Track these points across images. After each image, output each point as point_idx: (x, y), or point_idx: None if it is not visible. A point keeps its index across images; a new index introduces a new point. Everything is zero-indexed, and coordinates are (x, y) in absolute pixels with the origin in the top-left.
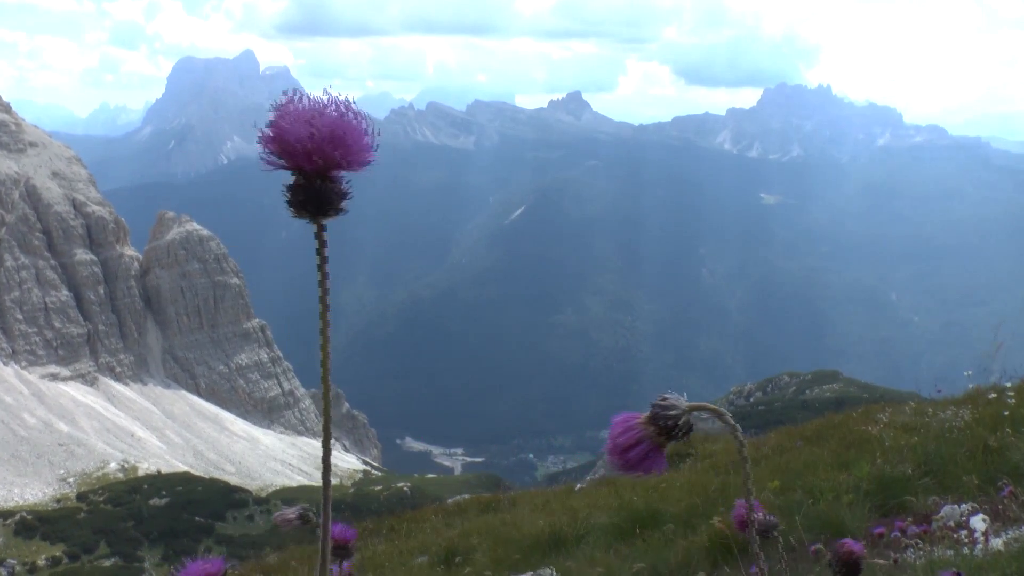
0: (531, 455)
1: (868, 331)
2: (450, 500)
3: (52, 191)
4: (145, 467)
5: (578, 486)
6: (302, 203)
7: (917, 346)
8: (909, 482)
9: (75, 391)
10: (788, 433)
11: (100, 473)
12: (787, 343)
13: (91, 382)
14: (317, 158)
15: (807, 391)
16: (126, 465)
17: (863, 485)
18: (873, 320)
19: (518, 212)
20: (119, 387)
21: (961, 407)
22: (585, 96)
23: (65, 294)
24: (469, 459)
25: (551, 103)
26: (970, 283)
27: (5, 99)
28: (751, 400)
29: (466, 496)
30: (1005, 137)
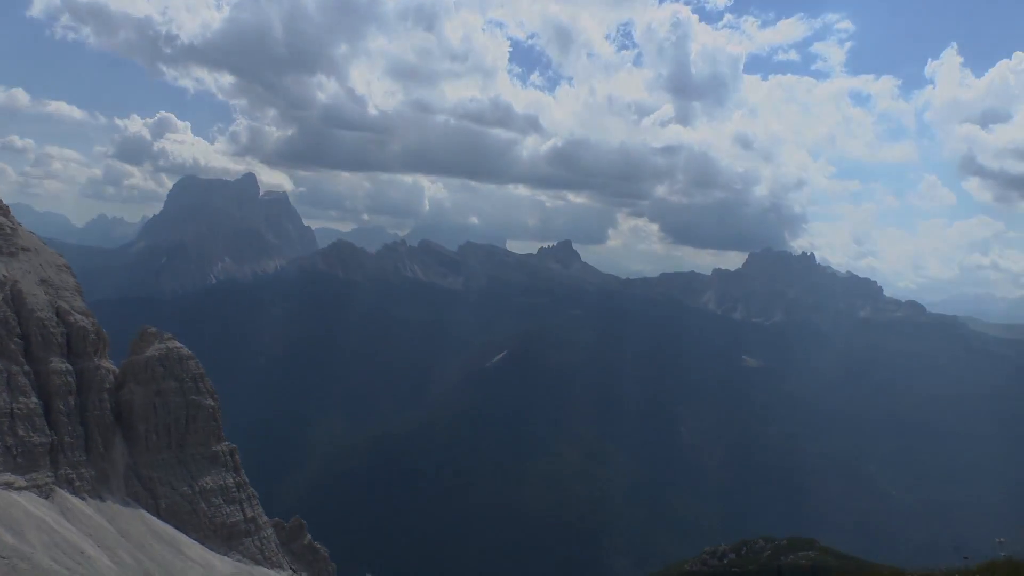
0: None
1: (846, 501)
2: None
3: (37, 297)
4: None
5: None
6: None
7: (895, 520)
8: None
9: (28, 502)
10: None
11: None
12: (763, 507)
13: (47, 494)
14: None
15: (783, 557)
16: None
17: None
18: (851, 491)
19: (500, 355)
20: (75, 500)
21: None
22: (575, 246)
23: (34, 401)
24: None
25: (541, 250)
26: (948, 461)
27: (6, 203)
28: (724, 561)
29: None
30: (980, 319)
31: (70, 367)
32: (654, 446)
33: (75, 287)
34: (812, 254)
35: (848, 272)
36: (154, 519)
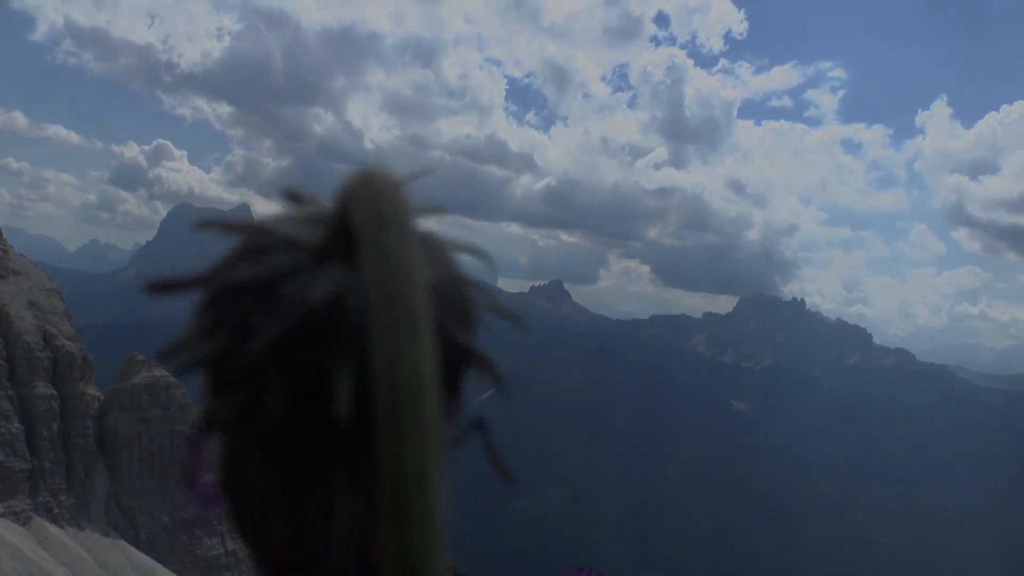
0: None
1: (832, 547)
2: None
3: (25, 320)
4: None
5: None
6: None
7: (883, 568)
8: None
9: (4, 529)
10: None
11: None
12: (750, 551)
13: (24, 521)
14: None
15: None
16: None
17: None
18: (838, 537)
19: (487, 394)
20: (53, 529)
21: None
22: (566, 286)
23: (16, 426)
24: None
25: (532, 289)
26: (936, 510)
27: None
28: None
29: None
30: (969, 368)
31: (55, 392)
32: (641, 487)
33: (64, 311)
34: (802, 300)
35: (838, 319)
36: (133, 549)
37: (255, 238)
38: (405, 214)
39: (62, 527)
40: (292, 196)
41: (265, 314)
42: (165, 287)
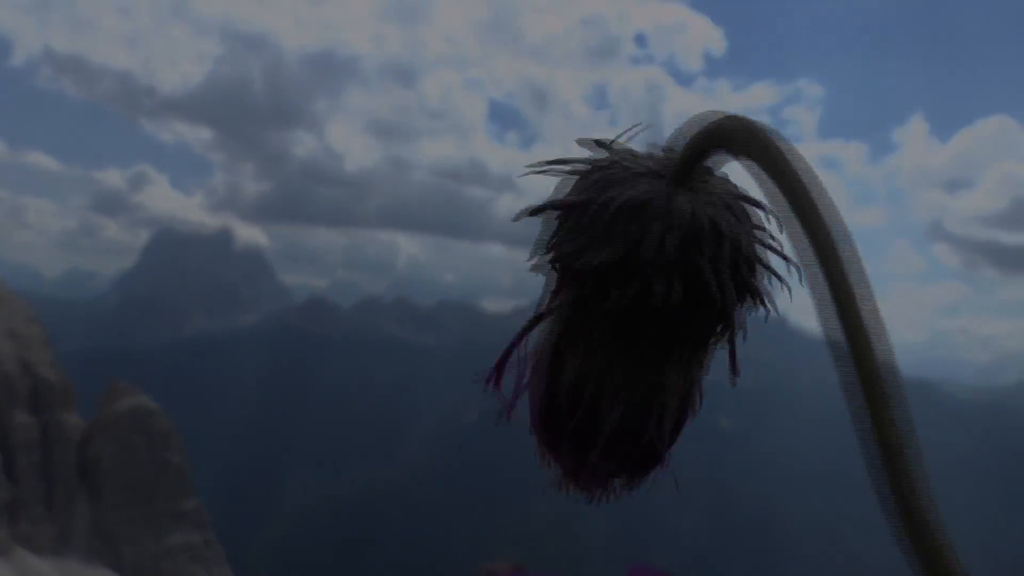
0: None
1: (822, 563)
2: None
3: (3, 349)
4: None
5: None
6: None
7: None
8: None
9: None
10: None
11: None
12: (739, 569)
13: (4, 551)
14: None
15: None
16: None
17: None
18: (827, 553)
19: (475, 415)
20: (34, 559)
21: None
22: None
23: None
24: None
25: (514, 309)
26: None
27: None
28: None
29: None
30: (952, 380)
31: (35, 421)
32: (628, 507)
33: (43, 339)
34: (785, 317)
35: (821, 335)
36: None
37: (609, 169)
38: (779, 139)
39: (43, 557)
40: (600, 144)
41: (654, 226)
42: (551, 208)
